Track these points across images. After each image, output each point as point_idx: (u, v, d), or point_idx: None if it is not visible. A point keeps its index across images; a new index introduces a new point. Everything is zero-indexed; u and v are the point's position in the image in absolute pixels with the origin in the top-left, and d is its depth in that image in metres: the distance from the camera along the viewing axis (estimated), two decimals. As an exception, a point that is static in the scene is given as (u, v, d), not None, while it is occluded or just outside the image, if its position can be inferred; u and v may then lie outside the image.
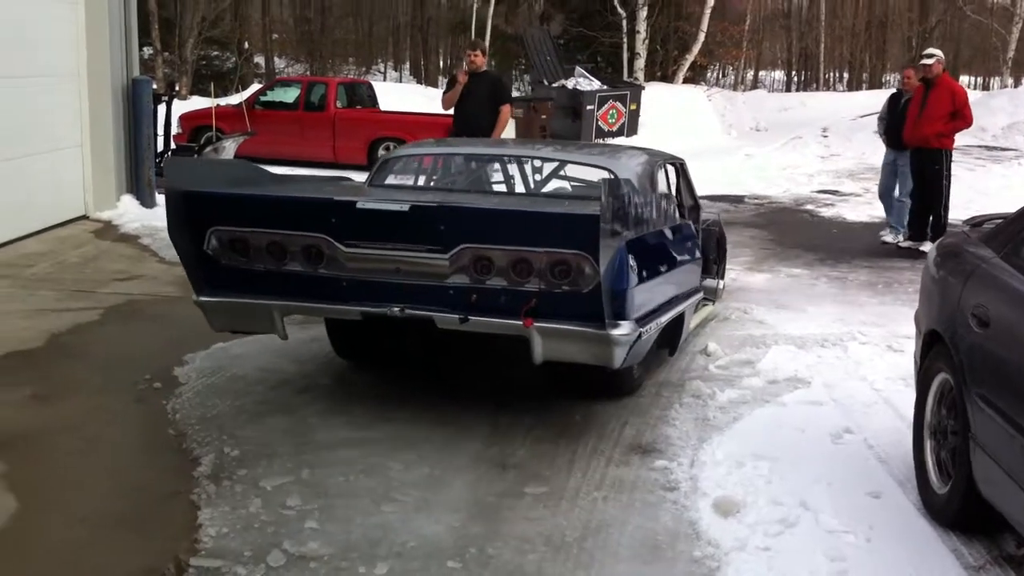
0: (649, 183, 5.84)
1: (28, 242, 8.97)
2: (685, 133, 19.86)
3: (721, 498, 4.23)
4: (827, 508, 4.11)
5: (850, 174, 16.48)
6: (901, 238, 10.62)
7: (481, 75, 9.30)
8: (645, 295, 4.72)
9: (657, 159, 6.32)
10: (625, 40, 24.42)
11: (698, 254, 5.95)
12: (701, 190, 13.94)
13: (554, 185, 6.72)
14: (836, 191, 14.89)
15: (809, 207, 13.45)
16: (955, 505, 3.90)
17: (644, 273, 4.69)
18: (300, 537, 3.83)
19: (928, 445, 4.26)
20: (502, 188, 6.53)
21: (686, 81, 25.67)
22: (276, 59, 38.92)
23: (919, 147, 10.30)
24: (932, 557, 3.77)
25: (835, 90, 38.18)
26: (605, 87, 20.75)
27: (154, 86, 11.78)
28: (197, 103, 20.40)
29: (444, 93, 9.63)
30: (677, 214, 5.76)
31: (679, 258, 5.47)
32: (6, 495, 4.15)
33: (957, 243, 4.68)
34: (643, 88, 21.56)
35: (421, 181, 6.37)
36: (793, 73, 43.69)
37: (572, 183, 6.73)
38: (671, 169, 6.64)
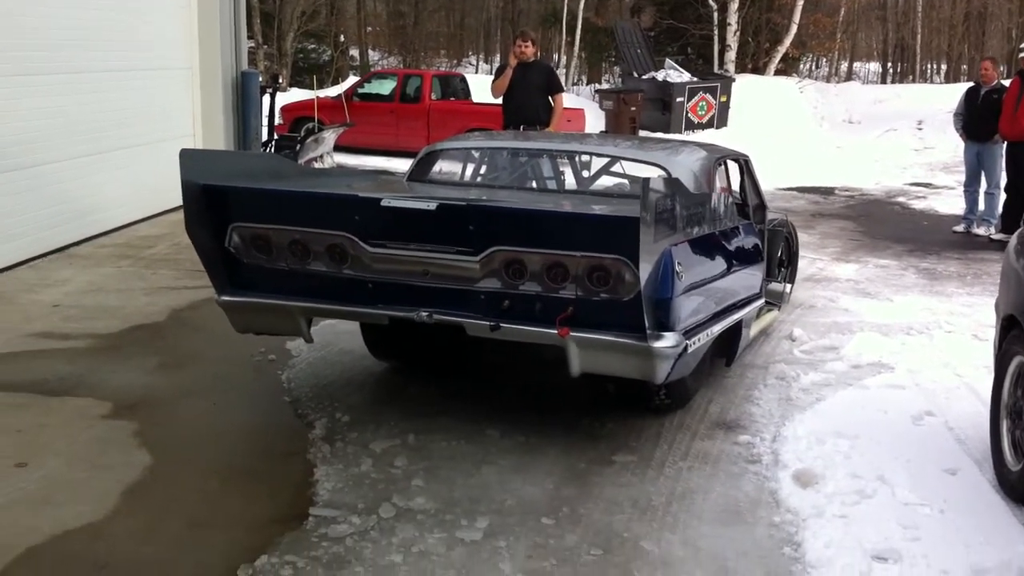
0: (706, 181, 5.50)
1: (144, 225, 9.56)
2: (776, 125, 19.85)
3: (801, 470, 4.46)
4: (904, 482, 4.31)
5: (944, 167, 16.36)
6: (993, 230, 10.62)
7: (532, 64, 9.08)
8: (694, 304, 4.43)
9: (717, 156, 5.99)
10: (716, 32, 24.39)
11: (760, 257, 5.68)
12: (789, 182, 14.19)
13: (607, 183, 6.44)
14: (929, 184, 14.84)
15: (900, 199, 13.45)
16: (1028, 481, 4.08)
17: (693, 280, 4.40)
18: (408, 493, 4.18)
19: (1004, 424, 4.43)
20: (550, 185, 6.22)
21: (778, 73, 25.54)
22: (370, 52, 39.65)
23: (1016, 140, 10.32)
24: (1003, 528, 3.95)
25: (932, 82, 37.46)
26: (695, 79, 20.81)
27: (259, 78, 12.30)
28: (296, 95, 21.03)
29: (493, 81, 9.38)
30: (736, 214, 5.49)
31: (737, 262, 5.16)
32: (140, 451, 4.58)
33: (1040, 231, 4.83)
34: (733, 80, 21.56)
35: (464, 176, 6.15)
36: (889, 65, 42.95)
37: (629, 181, 6.41)
38: (733, 166, 6.36)
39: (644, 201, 3.79)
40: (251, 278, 4.71)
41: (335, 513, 3.99)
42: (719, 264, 4.91)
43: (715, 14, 24.21)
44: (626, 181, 6.49)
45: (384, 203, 4.39)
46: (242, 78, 11.52)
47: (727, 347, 5.25)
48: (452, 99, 17.99)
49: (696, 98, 20.22)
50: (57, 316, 6.53)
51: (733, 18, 24.06)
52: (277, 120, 15.47)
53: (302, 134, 14.32)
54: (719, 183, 5.85)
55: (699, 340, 4.45)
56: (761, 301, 5.71)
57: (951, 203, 12.61)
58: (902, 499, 4.17)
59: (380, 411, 5.09)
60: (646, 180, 3.91)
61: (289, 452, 4.61)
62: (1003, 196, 10.62)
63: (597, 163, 6.47)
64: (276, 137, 14.16)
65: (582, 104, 19.99)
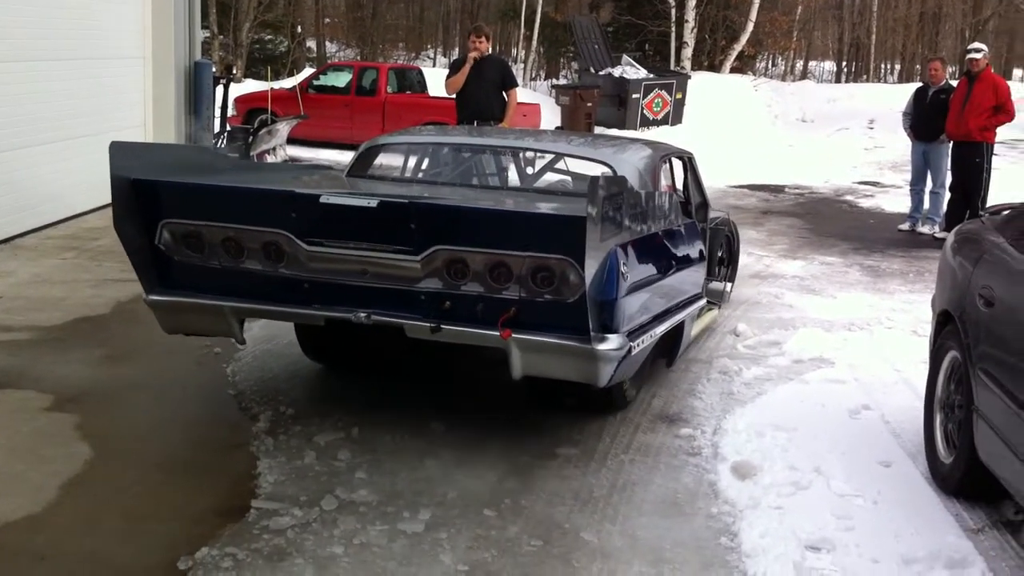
0: (651, 179, 5.46)
1: (91, 217, 9.45)
2: (730, 123, 20.05)
3: (739, 463, 4.54)
4: (839, 474, 4.40)
5: (893, 166, 16.61)
6: (937, 229, 10.80)
7: (485, 59, 9.06)
8: (638, 305, 4.40)
9: (662, 153, 5.95)
10: (673, 29, 24.57)
11: (703, 256, 5.69)
12: (741, 180, 14.35)
13: (552, 180, 6.37)
14: (877, 182, 15.07)
15: (848, 198, 13.65)
16: (959, 473, 4.18)
17: (638, 280, 4.37)
18: (350, 486, 4.20)
19: (937, 418, 4.54)
20: (493, 182, 6.12)
21: (734, 71, 25.79)
22: (328, 44, 39.41)
23: (961, 140, 10.51)
24: (934, 520, 4.05)
25: (886, 82, 37.94)
26: (651, 76, 20.95)
27: (213, 69, 12.21)
28: (251, 86, 20.89)
29: (448, 77, 9.26)
30: (680, 213, 5.42)
31: (680, 262, 5.15)
32: (82, 444, 4.56)
33: (974, 229, 4.94)
34: (689, 77, 21.72)
35: (406, 172, 6.03)
36: (844, 64, 43.44)
37: (573, 178, 6.33)
38: (678, 164, 6.31)
39: (592, 199, 3.70)
40: (181, 277, 4.56)
41: (277, 505, 4.00)
42: (663, 264, 4.88)
43: (672, 11, 24.38)
44: (570, 178, 6.43)
45: (323, 199, 4.23)
46: (195, 68, 11.44)
47: (669, 348, 5.23)
48: (408, 92, 17.96)
49: (652, 95, 20.35)
50: (0, 308, 6.46)
51: (690, 15, 24.25)
52: (231, 111, 15.36)
53: (255, 125, 14.23)
54: (664, 181, 5.79)
55: (643, 342, 4.41)
56: (703, 301, 5.70)
57: (898, 202, 12.80)
58: (837, 491, 4.26)
59: (325, 404, 5.10)
60: (594, 178, 3.80)
61: (232, 445, 4.61)
62: (948, 195, 10.81)
63: (542, 160, 6.38)
64: (229, 128, 14.06)
65: (538, 99, 20.03)
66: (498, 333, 4.09)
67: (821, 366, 6.04)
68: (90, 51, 9.62)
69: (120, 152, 4.38)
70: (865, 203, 13.23)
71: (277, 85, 18.77)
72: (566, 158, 6.22)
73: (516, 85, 9.36)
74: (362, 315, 4.25)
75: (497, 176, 6.18)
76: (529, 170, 6.35)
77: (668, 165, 6.05)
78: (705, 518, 4.08)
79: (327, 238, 4.28)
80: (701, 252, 5.65)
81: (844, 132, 20.69)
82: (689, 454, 4.71)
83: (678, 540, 3.88)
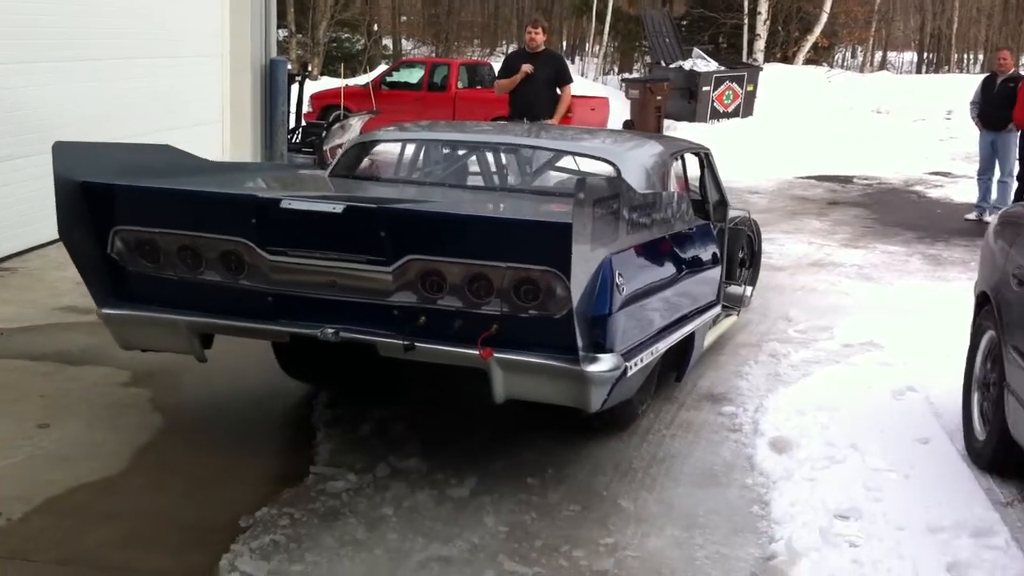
0: (659, 178, 5.06)
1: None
2: (802, 115, 19.90)
3: (778, 438, 4.69)
4: (875, 450, 4.52)
5: (966, 156, 16.33)
6: (1005, 218, 10.71)
7: (540, 54, 8.78)
8: (636, 320, 4.02)
9: (674, 150, 5.56)
10: (746, 21, 24.47)
11: (718, 260, 5.29)
12: (810, 171, 14.30)
13: (555, 180, 5.95)
14: (948, 173, 14.94)
15: (918, 188, 13.56)
16: (991, 449, 4.28)
17: (637, 291, 3.99)
18: (403, 455, 4.44)
19: (975, 397, 4.64)
20: (488, 182, 5.71)
21: (810, 62, 25.56)
22: (404, 41, 39.94)
23: (1031, 129, 10.44)
24: (965, 493, 4.15)
25: (968, 72, 37.15)
26: (722, 68, 20.92)
27: (288, 67, 12.59)
28: (327, 83, 21.35)
29: (499, 77, 9.04)
30: (693, 213, 5.09)
31: (689, 268, 4.77)
32: (155, 414, 4.89)
33: (1017, 212, 5.02)
34: (761, 69, 21.64)
35: (395, 172, 5.63)
36: (925, 54, 42.64)
37: (576, 177, 5.43)
38: (692, 160, 5.93)
39: (578, 204, 3.37)
40: (137, 289, 4.27)
41: (334, 471, 4.26)
42: (669, 271, 4.52)
43: (745, 2, 24.27)
44: (574, 178, 5.34)
45: (283, 204, 3.90)
46: (271, 66, 11.82)
47: (678, 360, 4.87)
48: (479, 87, 18.22)
49: (722, 87, 20.31)
50: (81, 292, 6.71)
51: (763, 7, 24.11)
52: (306, 108, 15.78)
53: (329, 121, 14.62)
54: (675, 180, 5.39)
55: (642, 360, 4.01)
56: (717, 309, 5.33)
57: (967, 192, 12.67)
58: (871, 465, 4.37)
59: (383, 381, 5.35)
60: (581, 180, 3.49)
61: (295, 417, 4.91)
62: (1015, 184, 10.73)
63: (543, 157, 5.89)
64: (304, 124, 14.48)
65: (609, 93, 20.14)
66: (477, 352, 3.75)
67: (870, 350, 6.12)
68: (171, 50, 10.02)
69: (66, 152, 4.05)
70: (934, 193, 13.14)
71: (352, 82, 19.18)
72: (570, 156, 5.78)
73: (570, 81, 9.02)
74: (329, 332, 3.93)
75: (493, 176, 5.80)
76: (527, 169, 5.90)
77: (681, 162, 5.67)
78: (739, 488, 4.24)
79: (291, 247, 3.96)
80: (715, 255, 5.26)
81: (920, 123, 20.40)
82: (730, 430, 4.87)
83: (711, 508, 4.05)
